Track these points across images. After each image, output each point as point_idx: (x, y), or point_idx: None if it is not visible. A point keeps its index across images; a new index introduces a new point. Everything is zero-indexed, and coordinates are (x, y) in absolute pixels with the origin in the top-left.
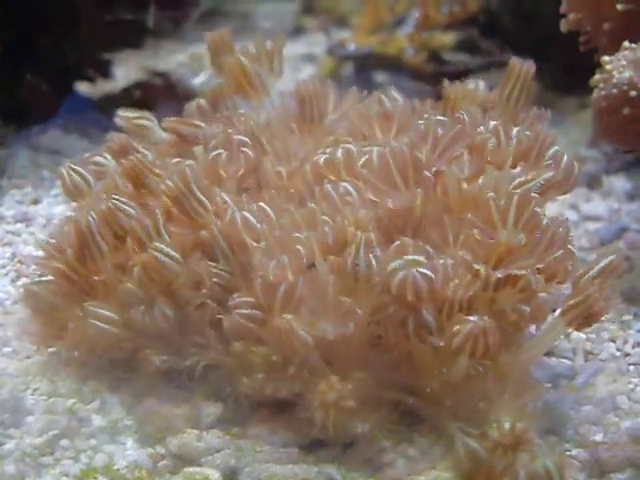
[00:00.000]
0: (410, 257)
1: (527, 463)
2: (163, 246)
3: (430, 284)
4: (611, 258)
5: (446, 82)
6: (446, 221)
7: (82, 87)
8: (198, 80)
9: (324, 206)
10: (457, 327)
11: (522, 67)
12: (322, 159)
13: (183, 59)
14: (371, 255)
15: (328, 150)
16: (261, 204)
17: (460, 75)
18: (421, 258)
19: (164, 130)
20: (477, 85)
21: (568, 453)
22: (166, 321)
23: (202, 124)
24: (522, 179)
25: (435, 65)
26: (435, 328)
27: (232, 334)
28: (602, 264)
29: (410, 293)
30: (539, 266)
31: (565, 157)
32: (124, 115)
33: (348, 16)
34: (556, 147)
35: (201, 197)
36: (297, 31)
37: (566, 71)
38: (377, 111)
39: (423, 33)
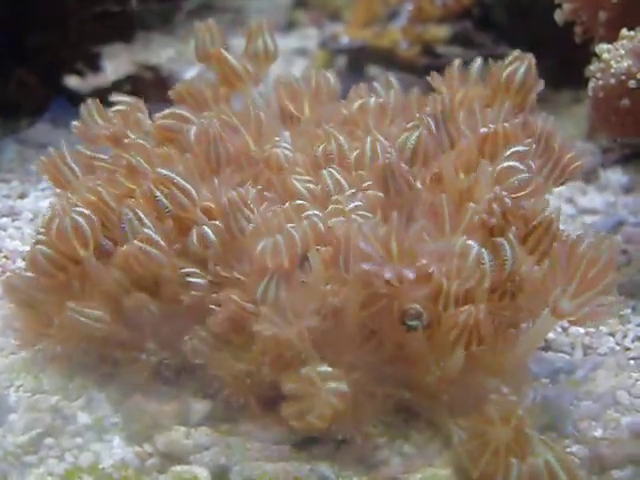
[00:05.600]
0: None
1: (528, 459)
2: (151, 233)
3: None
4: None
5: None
6: (442, 210)
7: (72, 81)
8: (190, 73)
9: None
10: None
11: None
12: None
13: (174, 53)
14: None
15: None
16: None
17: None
18: None
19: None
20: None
21: (568, 449)
22: (152, 315)
23: (191, 116)
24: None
25: (429, 58)
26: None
27: (222, 327)
28: (592, 251)
29: None
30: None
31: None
32: (118, 100)
33: (341, 10)
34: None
35: (188, 187)
36: (290, 25)
37: (560, 65)
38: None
39: (417, 26)
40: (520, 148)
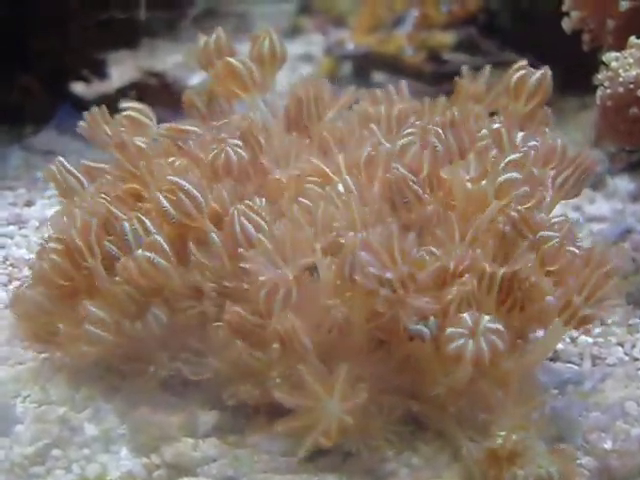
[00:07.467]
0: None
1: (531, 471)
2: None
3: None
4: (609, 255)
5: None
6: (452, 219)
7: (77, 87)
8: (195, 80)
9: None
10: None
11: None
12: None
13: (179, 59)
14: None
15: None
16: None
17: (459, 75)
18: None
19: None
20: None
21: (577, 461)
22: (159, 326)
23: (197, 129)
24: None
25: (434, 65)
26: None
27: (230, 339)
28: (600, 261)
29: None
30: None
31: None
32: (126, 105)
33: (345, 16)
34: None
35: (197, 194)
36: (294, 31)
37: (566, 71)
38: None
39: (422, 32)
40: (515, 156)
